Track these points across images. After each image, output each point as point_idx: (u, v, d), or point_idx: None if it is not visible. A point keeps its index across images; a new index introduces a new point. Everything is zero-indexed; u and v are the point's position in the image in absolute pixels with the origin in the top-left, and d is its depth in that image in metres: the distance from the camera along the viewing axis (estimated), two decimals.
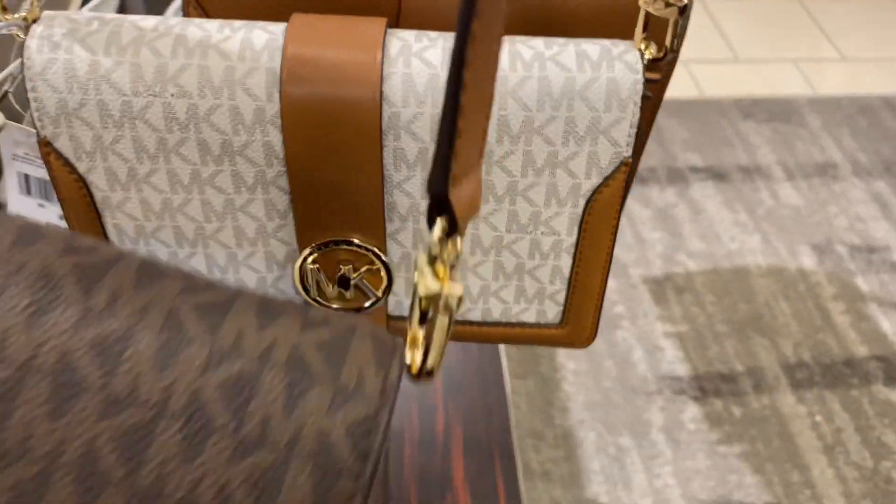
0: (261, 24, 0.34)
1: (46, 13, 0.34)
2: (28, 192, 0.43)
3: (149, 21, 0.34)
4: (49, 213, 0.43)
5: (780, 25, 1.68)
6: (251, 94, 0.33)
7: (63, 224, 0.42)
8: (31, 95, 0.33)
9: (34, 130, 0.39)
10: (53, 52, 0.33)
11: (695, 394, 1.07)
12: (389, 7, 0.38)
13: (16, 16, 0.33)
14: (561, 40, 0.34)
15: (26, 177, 0.42)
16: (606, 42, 0.34)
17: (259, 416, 0.18)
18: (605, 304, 1.17)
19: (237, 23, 0.34)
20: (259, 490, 0.17)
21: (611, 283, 1.21)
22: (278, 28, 0.34)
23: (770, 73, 1.56)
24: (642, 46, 0.33)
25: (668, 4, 0.31)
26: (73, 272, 0.20)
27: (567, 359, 1.11)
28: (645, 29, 0.33)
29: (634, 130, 0.33)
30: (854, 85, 1.56)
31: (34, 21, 0.34)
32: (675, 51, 0.32)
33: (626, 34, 0.37)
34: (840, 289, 1.21)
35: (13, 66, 0.41)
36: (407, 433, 1.01)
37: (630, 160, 0.34)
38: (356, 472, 0.17)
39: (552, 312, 0.40)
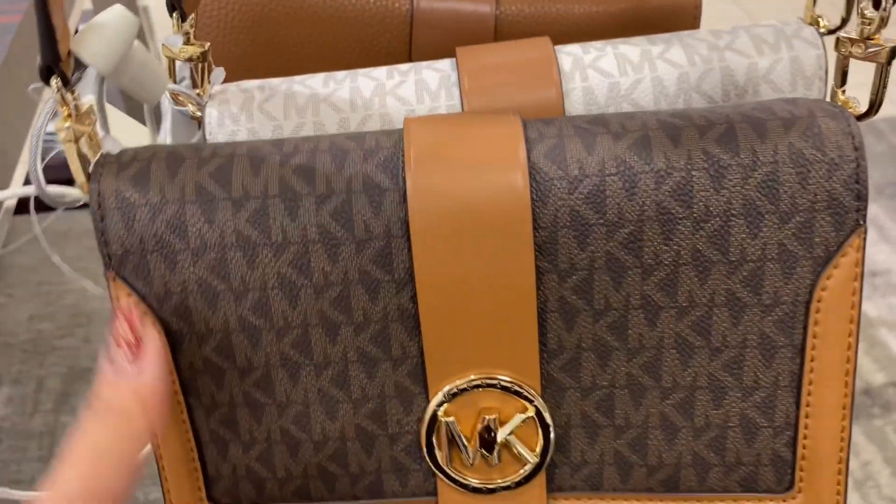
0: (439, 63, 0.34)
1: (217, 87, 0.34)
2: None
3: (316, 79, 0.34)
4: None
5: None
6: None
7: None
8: None
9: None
10: (235, 124, 0.32)
11: None
12: (401, 13, 0.39)
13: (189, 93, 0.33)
14: (727, 30, 0.33)
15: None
16: (774, 22, 0.33)
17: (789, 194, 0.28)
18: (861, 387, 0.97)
19: (404, 66, 0.34)
20: (802, 238, 0.28)
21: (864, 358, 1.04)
22: (447, 62, 0.34)
23: None
24: (815, 20, 0.33)
25: None
26: None
27: None
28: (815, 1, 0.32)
29: None
30: None
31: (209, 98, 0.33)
32: (847, 21, 0.32)
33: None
34: None
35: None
36: None
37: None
38: (856, 208, 0.28)
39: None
